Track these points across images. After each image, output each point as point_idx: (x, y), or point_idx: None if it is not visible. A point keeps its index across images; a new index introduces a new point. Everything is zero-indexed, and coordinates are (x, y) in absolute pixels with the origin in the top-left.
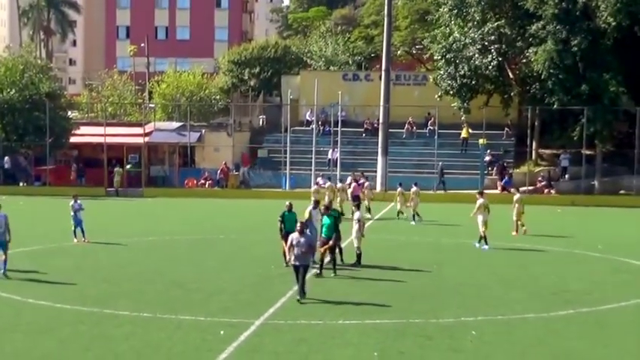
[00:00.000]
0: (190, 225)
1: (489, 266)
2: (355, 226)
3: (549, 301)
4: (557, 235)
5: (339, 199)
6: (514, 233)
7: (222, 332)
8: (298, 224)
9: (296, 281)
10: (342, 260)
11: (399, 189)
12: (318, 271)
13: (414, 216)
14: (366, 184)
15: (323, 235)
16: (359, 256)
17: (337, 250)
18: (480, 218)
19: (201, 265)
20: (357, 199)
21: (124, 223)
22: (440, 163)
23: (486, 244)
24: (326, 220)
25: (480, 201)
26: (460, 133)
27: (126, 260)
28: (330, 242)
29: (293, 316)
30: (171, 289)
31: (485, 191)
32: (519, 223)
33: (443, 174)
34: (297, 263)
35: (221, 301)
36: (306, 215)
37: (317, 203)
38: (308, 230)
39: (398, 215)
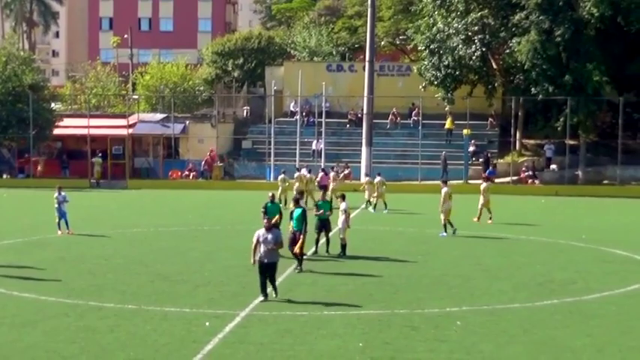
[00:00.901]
0: (175, 216)
1: (474, 257)
2: (341, 217)
3: (534, 291)
4: (542, 225)
5: (307, 188)
6: (475, 219)
7: (207, 324)
8: (265, 220)
9: (259, 281)
10: (327, 251)
11: (367, 178)
12: (299, 268)
13: (376, 205)
14: (378, 178)
15: (294, 227)
16: (344, 246)
17: (324, 241)
18: (443, 206)
19: (186, 256)
20: (324, 189)
21: (108, 215)
22: (443, 152)
23: (445, 231)
24: (296, 211)
25: (445, 190)
26: (444, 124)
27: (110, 252)
28: (301, 237)
29: (278, 307)
30: (157, 281)
31: (470, 181)
32: (484, 210)
33: (447, 164)
34: (264, 260)
35: (206, 292)
36: (292, 206)
37: (302, 194)
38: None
39: (366, 205)
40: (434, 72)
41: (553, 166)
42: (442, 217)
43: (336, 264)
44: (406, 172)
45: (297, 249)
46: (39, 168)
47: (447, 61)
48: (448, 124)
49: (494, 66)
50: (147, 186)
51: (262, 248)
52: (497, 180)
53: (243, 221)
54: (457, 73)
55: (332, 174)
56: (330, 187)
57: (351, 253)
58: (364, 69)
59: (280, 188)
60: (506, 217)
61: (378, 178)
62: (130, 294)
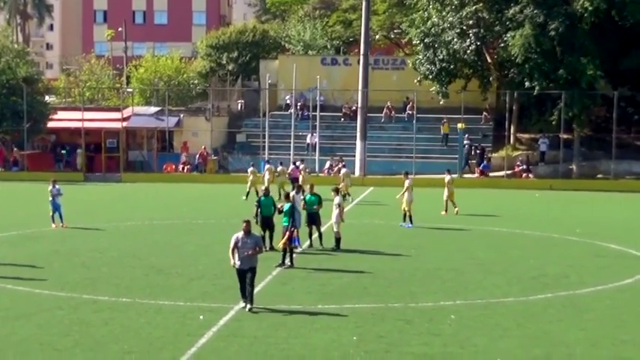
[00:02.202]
0: (169, 210)
1: (468, 250)
2: (335, 211)
3: (528, 285)
4: (536, 219)
5: (279, 180)
6: (443, 213)
7: (201, 317)
8: (244, 223)
9: (240, 287)
10: (321, 244)
11: (345, 170)
12: (289, 263)
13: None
14: (343, 170)
15: (283, 222)
16: (338, 240)
17: (316, 236)
18: (405, 197)
19: (181, 250)
20: (295, 181)
21: (102, 208)
22: (466, 144)
23: (411, 222)
24: (285, 206)
25: (407, 182)
26: (439, 119)
27: (105, 245)
28: (287, 233)
29: (272, 301)
30: (151, 274)
31: (465, 175)
32: (449, 202)
33: (470, 155)
34: (242, 267)
35: (201, 286)
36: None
37: (300, 187)
38: (292, 213)
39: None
40: (428, 66)
41: (541, 164)
42: (406, 208)
43: (330, 258)
44: (400, 165)
45: (280, 244)
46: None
47: (441, 55)
48: (444, 129)
49: (489, 60)
50: (141, 179)
51: (240, 253)
52: (491, 174)
53: (238, 214)
54: (452, 67)
55: (302, 166)
56: (300, 179)
57: (345, 247)
58: (359, 62)
59: (250, 181)
60: (500, 211)
61: (343, 170)
62: (124, 287)
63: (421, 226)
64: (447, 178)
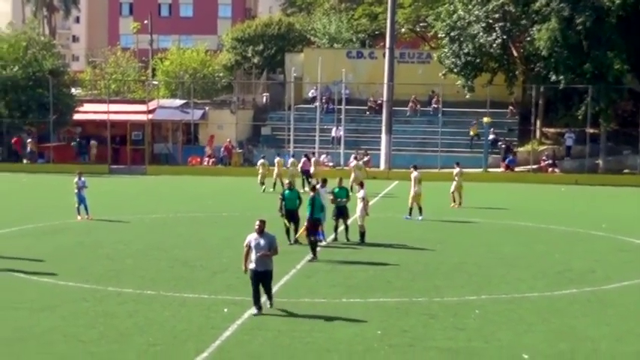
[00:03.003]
0: (194, 202)
1: (493, 245)
2: (359, 205)
3: (553, 279)
4: (561, 214)
5: (289, 173)
6: (452, 205)
7: (225, 310)
8: (257, 222)
9: (253, 292)
10: (347, 237)
11: (355, 162)
12: (312, 256)
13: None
14: (353, 162)
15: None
16: (362, 234)
17: (343, 229)
18: (411, 192)
19: (205, 242)
20: (307, 174)
21: (127, 201)
22: (501, 143)
23: (410, 215)
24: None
25: (415, 174)
26: (465, 113)
27: (129, 237)
28: (306, 224)
29: (296, 294)
30: (175, 267)
31: (490, 170)
32: (456, 195)
33: (509, 150)
34: (257, 269)
35: (224, 278)
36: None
37: (325, 182)
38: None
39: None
40: (454, 59)
41: (567, 158)
42: (410, 201)
43: (355, 251)
44: (425, 159)
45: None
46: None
47: (467, 48)
48: (472, 131)
49: (515, 54)
50: (166, 172)
51: (254, 255)
52: (517, 168)
53: (262, 207)
54: (477, 60)
55: (313, 159)
56: (312, 172)
57: (369, 241)
58: (384, 56)
59: (260, 174)
60: (525, 206)
61: (354, 162)
62: (148, 279)
63: (446, 220)
64: (455, 170)
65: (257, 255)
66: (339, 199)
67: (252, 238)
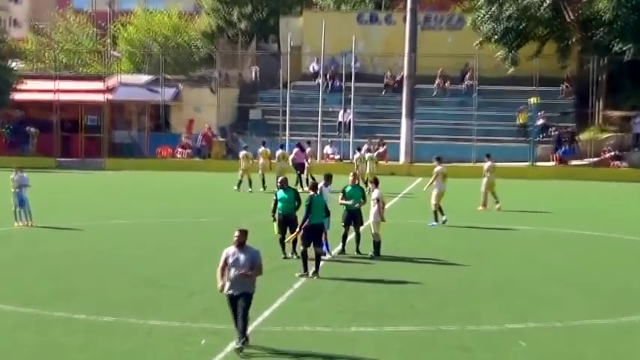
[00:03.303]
0: (164, 205)
1: (541, 259)
2: (373, 208)
3: (616, 303)
4: (627, 220)
5: (278, 168)
6: (480, 208)
7: (203, 341)
8: (237, 232)
9: (233, 319)
10: (357, 249)
11: (359, 154)
12: (314, 272)
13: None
14: (357, 154)
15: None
16: (377, 244)
17: (352, 237)
18: (434, 191)
19: (178, 255)
20: (300, 168)
21: (80, 202)
22: (555, 130)
23: (436, 220)
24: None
25: (438, 168)
26: (506, 92)
27: (82, 250)
28: (297, 230)
29: (294, 321)
30: (139, 287)
31: (538, 163)
32: (489, 195)
33: (562, 138)
34: (233, 292)
35: (202, 301)
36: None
37: (329, 178)
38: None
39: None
40: (492, 25)
41: (635, 149)
42: (433, 202)
43: (368, 266)
44: (457, 151)
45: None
46: None
47: (509, 11)
48: (521, 119)
49: (570, 18)
50: (129, 166)
51: (232, 273)
52: (573, 162)
53: (250, 211)
54: (522, 26)
55: (308, 150)
56: (306, 167)
57: (385, 253)
58: (404, 20)
59: (242, 168)
60: (581, 209)
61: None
62: (105, 302)
63: (481, 227)
64: (486, 165)
65: (234, 274)
66: (353, 202)
67: (230, 252)
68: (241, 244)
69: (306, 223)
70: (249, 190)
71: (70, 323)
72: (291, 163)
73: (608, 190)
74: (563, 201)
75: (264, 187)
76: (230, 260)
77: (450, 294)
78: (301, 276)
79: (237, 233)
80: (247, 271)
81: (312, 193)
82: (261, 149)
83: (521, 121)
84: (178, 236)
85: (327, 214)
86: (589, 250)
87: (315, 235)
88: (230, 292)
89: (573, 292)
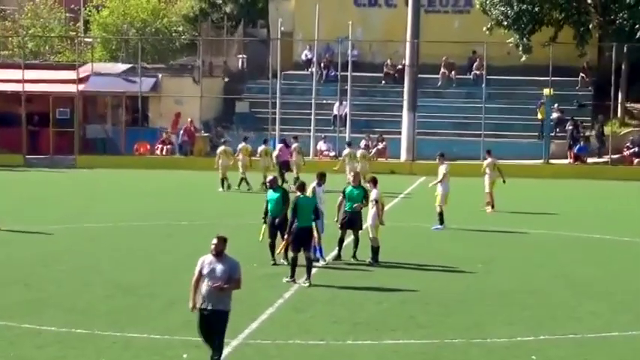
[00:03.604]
0: (142, 206)
1: (556, 265)
2: (371, 210)
3: (635, 313)
4: None
5: (261, 165)
6: (488, 210)
7: (185, 356)
8: (214, 239)
9: (203, 340)
10: (354, 255)
11: (348, 150)
12: (306, 280)
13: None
14: (346, 150)
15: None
16: (376, 250)
17: (349, 241)
18: (440, 189)
19: (157, 261)
20: (285, 166)
21: (49, 204)
22: (570, 125)
23: (441, 223)
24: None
25: (445, 167)
26: (518, 82)
27: (52, 255)
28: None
29: (284, 333)
30: (116, 296)
31: (552, 161)
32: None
33: (577, 134)
34: (206, 306)
35: (183, 312)
36: (309, 194)
37: (322, 177)
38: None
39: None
40: (503, 8)
41: None
42: (440, 204)
43: (365, 274)
44: (464, 146)
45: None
46: None
47: None
48: (540, 114)
49: (588, 0)
50: (103, 164)
51: (205, 285)
52: (590, 159)
53: (236, 213)
54: (536, 10)
55: (295, 145)
56: (293, 165)
57: (384, 259)
58: (406, 3)
59: (220, 166)
60: (600, 211)
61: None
62: (78, 313)
63: (490, 230)
64: (486, 161)
65: (208, 286)
66: (353, 204)
67: (207, 261)
68: (219, 253)
69: (293, 227)
70: (220, 189)
71: (40, 336)
72: (275, 161)
73: (627, 191)
74: (579, 202)
75: (249, 187)
76: (205, 270)
77: (454, 304)
78: (288, 282)
79: (214, 240)
80: (223, 283)
81: (298, 193)
82: (242, 145)
83: (540, 116)
84: (157, 241)
85: (317, 216)
86: (606, 255)
87: (304, 239)
88: (203, 306)
89: (591, 302)
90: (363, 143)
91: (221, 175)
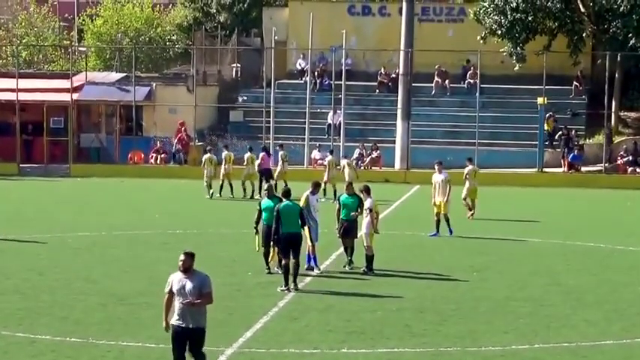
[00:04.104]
0: (136, 215)
1: (550, 273)
2: (366, 219)
3: (634, 322)
4: None
5: (245, 172)
6: (468, 216)
7: None
8: (182, 256)
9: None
10: (350, 263)
11: (330, 157)
12: (284, 286)
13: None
14: (328, 157)
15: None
16: (370, 258)
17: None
18: (446, 199)
19: (152, 271)
20: (267, 174)
21: (43, 213)
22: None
23: (437, 231)
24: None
25: (441, 176)
26: (512, 91)
27: (46, 264)
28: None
29: (278, 342)
30: (110, 305)
31: (546, 169)
32: (468, 202)
33: (573, 142)
34: (178, 324)
35: None
36: (302, 202)
37: (317, 186)
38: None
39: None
40: (497, 17)
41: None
42: (441, 209)
43: (360, 282)
44: (458, 155)
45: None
46: None
47: (515, 1)
48: (547, 126)
49: (582, 9)
50: (97, 173)
51: (177, 303)
52: (584, 168)
53: (231, 223)
54: (530, 18)
55: (281, 153)
56: (277, 173)
57: (379, 267)
58: (400, 12)
59: (206, 173)
60: (594, 219)
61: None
62: (72, 322)
63: (484, 239)
64: (467, 169)
65: (180, 304)
66: (349, 212)
67: (176, 279)
68: (187, 269)
69: (279, 234)
70: (207, 196)
71: (34, 345)
72: (256, 169)
73: (621, 200)
74: (573, 210)
75: (233, 194)
76: (175, 288)
77: (449, 312)
78: (283, 291)
79: (182, 257)
80: (194, 299)
81: (283, 201)
82: (225, 153)
83: (547, 127)
84: (151, 249)
85: (303, 223)
86: (600, 263)
87: (291, 245)
88: (177, 323)
89: (585, 311)
90: (357, 152)
91: (206, 182)
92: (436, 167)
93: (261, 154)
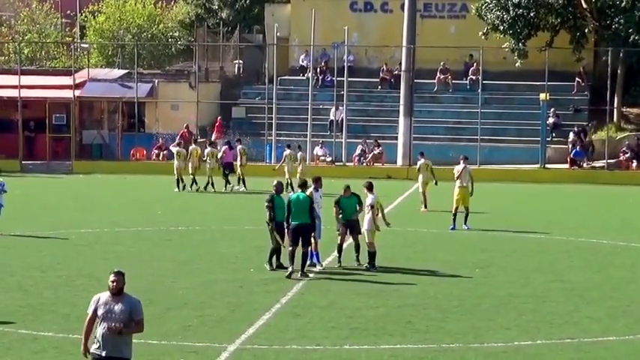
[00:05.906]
0: (138, 212)
1: (553, 270)
2: (367, 215)
3: (636, 318)
4: None
5: (208, 166)
6: (422, 209)
7: None
8: (112, 276)
9: None
10: (357, 259)
11: (301, 153)
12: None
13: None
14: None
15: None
16: (372, 255)
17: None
18: (457, 189)
19: (154, 267)
20: (229, 168)
21: (46, 209)
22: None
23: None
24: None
25: (462, 167)
26: (514, 87)
27: (49, 261)
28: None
29: (281, 338)
30: None
31: (549, 165)
32: (424, 195)
33: (576, 138)
34: (102, 354)
35: (181, 317)
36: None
37: (318, 181)
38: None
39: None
40: (499, 13)
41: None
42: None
43: (362, 279)
44: (460, 151)
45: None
46: None
47: None
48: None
49: (584, 5)
50: (100, 169)
51: (102, 327)
52: (586, 164)
53: (233, 219)
54: (532, 14)
55: (239, 147)
56: (238, 168)
57: (381, 264)
58: (402, 8)
59: (175, 167)
60: (598, 216)
61: (288, 151)
62: (75, 319)
63: (488, 235)
64: (419, 161)
65: (104, 330)
66: (350, 213)
67: (102, 301)
68: (119, 291)
69: (289, 224)
70: (176, 189)
71: (37, 341)
72: (218, 163)
73: (624, 196)
74: (575, 206)
75: (198, 188)
76: (101, 311)
77: (451, 309)
78: (288, 275)
79: (112, 277)
80: (122, 326)
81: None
82: (192, 147)
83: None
84: (154, 246)
85: (318, 219)
86: (603, 260)
87: (300, 233)
88: (97, 352)
89: (589, 307)
90: (359, 148)
91: (176, 174)
92: (461, 160)
93: (224, 148)
